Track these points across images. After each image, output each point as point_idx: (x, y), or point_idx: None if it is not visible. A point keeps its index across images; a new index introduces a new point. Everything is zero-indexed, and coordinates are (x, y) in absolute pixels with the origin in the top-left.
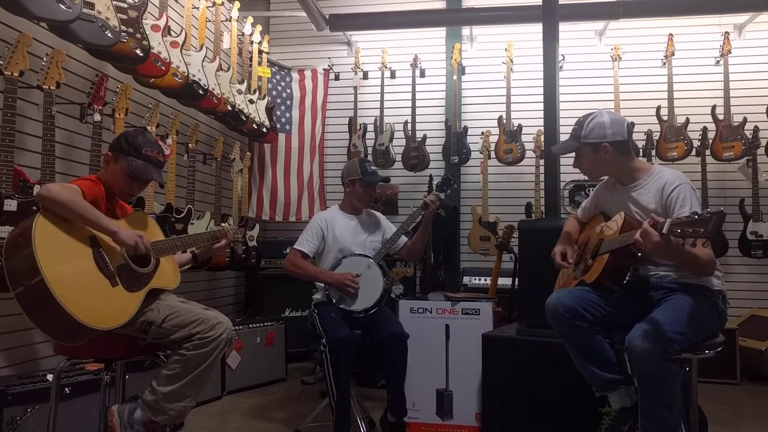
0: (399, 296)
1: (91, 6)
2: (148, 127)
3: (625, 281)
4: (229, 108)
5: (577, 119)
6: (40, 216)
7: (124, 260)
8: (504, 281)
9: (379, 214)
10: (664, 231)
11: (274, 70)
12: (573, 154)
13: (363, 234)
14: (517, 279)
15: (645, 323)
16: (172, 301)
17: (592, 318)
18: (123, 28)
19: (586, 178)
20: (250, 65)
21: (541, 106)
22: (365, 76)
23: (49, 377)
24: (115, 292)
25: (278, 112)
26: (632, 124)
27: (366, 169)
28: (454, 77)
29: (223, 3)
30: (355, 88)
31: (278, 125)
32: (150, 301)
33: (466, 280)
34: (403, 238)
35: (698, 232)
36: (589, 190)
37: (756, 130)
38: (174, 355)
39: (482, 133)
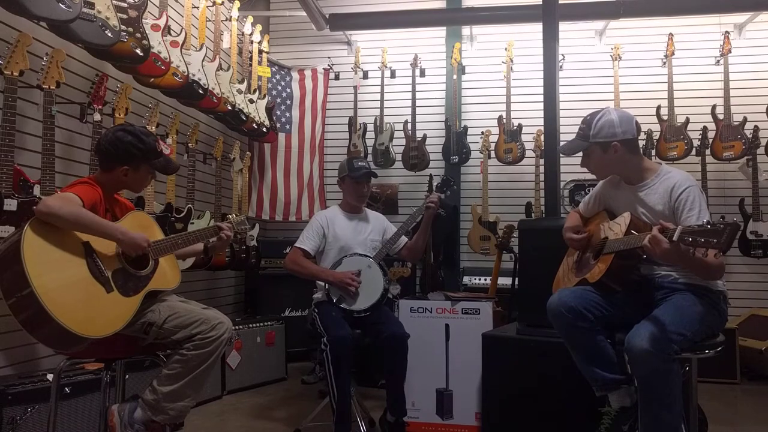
0: (396, 296)
1: (91, 5)
2: (148, 127)
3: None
4: (229, 107)
5: (583, 118)
6: (28, 227)
7: (121, 264)
8: (504, 281)
9: (379, 214)
10: (675, 238)
11: (274, 69)
12: (570, 154)
13: (363, 233)
14: (517, 279)
15: (646, 323)
16: (172, 302)
17: (593, 318)
18: (123, 27)
19: (586, 177)
20: (250, 65)
21: (541, 105)
22: (365, 75)
23: (49, 377)
24: (109, 299)
25: (278, 112)
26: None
27: (353, 165)
28: (454, 77)
29: (223, 2)
30: (355, 87)
31: (278, 125)
32: (150, 302)
33: (466, 279)
34: (403, 239)
35: (711, 242)
36: (588, 190)
37: (756, 129)
38: (175, 355)
39: (482, 132)
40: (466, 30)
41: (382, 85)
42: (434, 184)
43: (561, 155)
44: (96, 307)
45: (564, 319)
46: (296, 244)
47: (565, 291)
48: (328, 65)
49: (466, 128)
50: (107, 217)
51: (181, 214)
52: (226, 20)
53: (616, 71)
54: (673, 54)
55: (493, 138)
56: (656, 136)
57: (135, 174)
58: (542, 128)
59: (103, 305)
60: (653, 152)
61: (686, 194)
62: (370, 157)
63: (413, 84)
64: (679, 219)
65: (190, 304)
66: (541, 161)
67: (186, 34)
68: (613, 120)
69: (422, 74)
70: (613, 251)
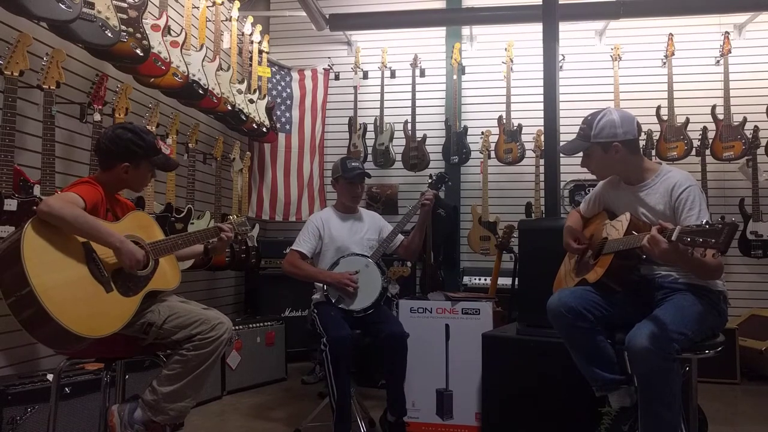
0: (395, 296)
1: (91, 5)
2: (149, 127)
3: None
4: (229, 108)
5: (584, 118)
6: (29, 226)
7: (120, 264)
8: (504, 281)
9: (374, 213)
10: (673, 238)
11: (274, 69)
12: (571, 154)
13: (359, 232)
14: (517, 279)
15: (646, 323)
16: (172, 302)
17: (593, 318)
18: (123, 27)
19: (586, 177)
20: (250, 65)
21: (541, 105)
22: (365, 75)
23: (49, 377)
24: (109, 299)
25: (278, 112)
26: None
27: (346, 166)
28: (454, 77)
29: (223, 3)
30: (355, 87)
31: (278, 125)
32: (150, 302)
33: (466, 279)
34: (400, 236)
35: (709, 242)
36: (588, 190)
37: (756, 129)
38: (174, 356)
39: (482, 132)
40: (466, 30)
41: (382, 85)
42: (430, 181)
43: (561, 155)
44: (95, 307)
45: (564, 319)
46: (293, 247)
47: (564, 291)
48: (328, 65)
49: (466, 128)
50: (108, 216)
51: (181, 214)
52: (226, 20)
53: (616, 71)
54: (673, 54)
55: (493, 138)
56: (656, 136)
57: (135, 171)
58: (542, 128)
59: (103, 305)
60: (653, 152)
61: (686, 194)
62: (370, 157)
63: (413, 84)
64: (679, 218)
65: (191, 305)
66: (541, 161)
67: (186, 34)
68: (614, 120)
69: (422, 74)
70: (613, 251)
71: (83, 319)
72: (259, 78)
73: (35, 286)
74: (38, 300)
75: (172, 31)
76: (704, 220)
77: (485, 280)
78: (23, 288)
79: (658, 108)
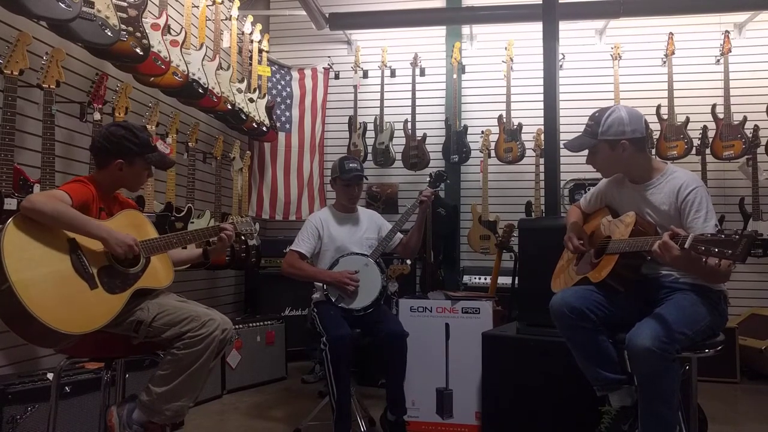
0: (394, 294)
1: (91, 5)
2: (148, 126)
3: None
4: (229, 107)
5: (591, 114)
6: (11, 222)
7: (107, 261)
8: (504, 280)
9: (373, 212)
10: (686, 246)
11: (273, 68)
12: (577, 151)
13: (358, 232)
14: (517, 278)
15: (647, 322)
16: (165, 300)
17: (596, 318)
18: (123, 26)
19: (586, 176)
20: (250, 64)
21: (541, 104)
22: (365, 74)
23: (50, 376)
24: (93, 295)
25: (278, 111)
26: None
27: (344, 167)
28: (454, 76)
29: (222, 2)
30: (355, 86)
31: (278, 124)
32: (141, 300)
33: (466, 278)
34: (399, 235)
35: (725, 253)
36: (588, 189)
37: (756, 129)
38: (167, 355)
39: (482, 131)
40: (466, 29)
41: (382, 85)
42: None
43: (563, 153)
44: (78, 304)
45: (567, 319)
46: (292, 247)
47: (567, 291)
48: (328, 64)
49: (466, 127)
50: (102, 215)
51: (181, 214)
52: (225, 19)
53: (616, 70)
54: (673, 53)
55: (493, 137)
56: (656, 135)
57: (130, 168)
58: (542, 127)
59: (86, 302)
60: (653, 151)
61: (693, 195)
62: (370, 156)
63: (413, 83)
64: (685, 220)
65: (190, 304)
66: (541, 160)
67: (186, 33)
68: (622, 117)
69: (422, 73)
70: (618, 252)
71: (64, 315)
72: (259, 77)
73: (14, 282)
74: (17, 296)
75: (171, 30)
76: (716, 227)
77: (485, 279)
78: (2, 284)
79: (658, 107)
